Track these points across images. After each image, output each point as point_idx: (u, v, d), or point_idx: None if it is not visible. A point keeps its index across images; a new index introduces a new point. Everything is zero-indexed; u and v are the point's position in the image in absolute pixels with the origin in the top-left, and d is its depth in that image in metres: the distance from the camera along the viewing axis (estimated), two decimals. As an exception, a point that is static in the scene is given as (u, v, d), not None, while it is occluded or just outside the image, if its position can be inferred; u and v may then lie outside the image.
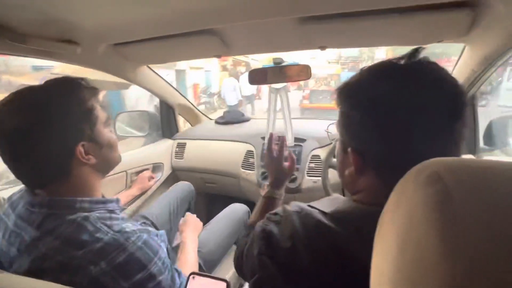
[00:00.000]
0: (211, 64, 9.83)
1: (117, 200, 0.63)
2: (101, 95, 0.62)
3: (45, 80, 0.56)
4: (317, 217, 0.38)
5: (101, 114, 0.60)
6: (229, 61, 10.60)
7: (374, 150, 0.38)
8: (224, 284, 0.53)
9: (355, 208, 0.38)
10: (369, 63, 0.42)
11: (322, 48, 0.88)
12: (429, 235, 0.16)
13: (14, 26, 0.65)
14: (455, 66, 0.87)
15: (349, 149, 0.40)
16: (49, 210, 0.53)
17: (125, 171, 1.28)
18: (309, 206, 0.41)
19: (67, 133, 0.53)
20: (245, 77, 6.48)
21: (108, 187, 1.17)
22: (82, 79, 0.58)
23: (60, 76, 0.58)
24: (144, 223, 0.99)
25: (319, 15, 0.68)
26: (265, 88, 6.60)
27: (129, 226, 0.56)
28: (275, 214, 0.43)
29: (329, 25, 0.71)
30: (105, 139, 0.60)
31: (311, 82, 8.93)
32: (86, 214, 0.53)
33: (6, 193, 0.83)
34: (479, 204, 0.15)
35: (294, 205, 0.43)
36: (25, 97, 0.53)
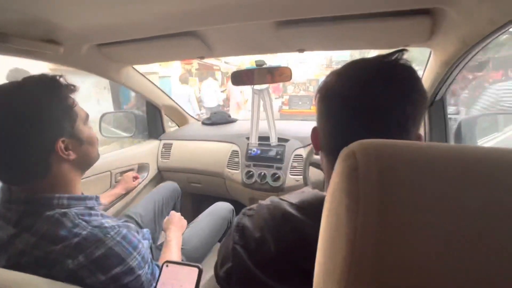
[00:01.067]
0: (171, 68, 7.30)
1: (97, 197, 0.64)
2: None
3: (24, 78, 0.56)
4: (285, 208, 0.41)
5: (80, 111, 0.61)
6: (194, 64, 8.71)
7: (323, 133, 0.44)
8: (196, 269, 0.55)
9: (318, 197, 0.42)
10: None
11: (300, 50, 0.92)
12: (341, 199, 0.19)
13: None
14: (424, 69, 0.93)
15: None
16: (26, 207, 0.54)
17: (110, 170, 1.28)
18: (280, 198, 0.45)
19: (47, 130, 0.54)
20: (207, 85, 5.43)
21: (93, 186, 1.17)
22: (60, 76, 0.59)
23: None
24: (127, 221, 1.00)
25: (295, 19, 0.72)
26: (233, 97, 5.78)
27: (109, 221, 0.57)
28: (250, 209, 0.47)
29: (305, 29, 0.76)
30: (85, 136, 0.61)
31: (290, 88, 8.96)
32: (64, 210, 0.54)
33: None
34: (376, 173, 0.19)
35: (267, 199, 0.47)
36: (4, 94, 0.53)
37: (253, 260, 0.39)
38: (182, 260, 0.87)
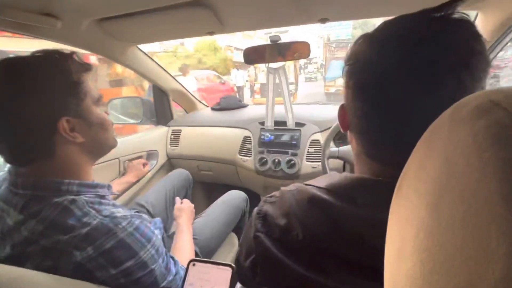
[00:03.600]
0: None
1: (109, 186, 0.60)
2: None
3: (32, 52, 0.53)
4: (311, 191, 0.37)
5: (91, 91, 0.56)
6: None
7: (353, 112, 0.37)
8: (230, 270, 0.49)
9: (348, 179, 0.38)
10: None
11: (323, 20, 0.82)
12: (481, 183, 0.11)
13: None
14: None
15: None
16: (34, 191, 0.50)
17: (118, 158, 1.23)
18: (305, 184, 0.41)
19: (49, 105, 0.50)
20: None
21: (100, 174, 1.13)
22: (73, 52, 0.55)
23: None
24: (139, 211, 0.96)
25: None
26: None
27: (120, 211, 0.53)
28: (271, 196, 0.43)
29: None
30: (95, 118, 0.56)
31: (261, 75, 8.40)
32: (73, 197, 0.51)
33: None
34: None
35: (290, 186, 0.43)
36: (8, 66, 0.50)
37: (278, 248, 0.36)
38: (195, 251, 0.82)
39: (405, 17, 0.33)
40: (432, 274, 0.13)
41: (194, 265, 0.51)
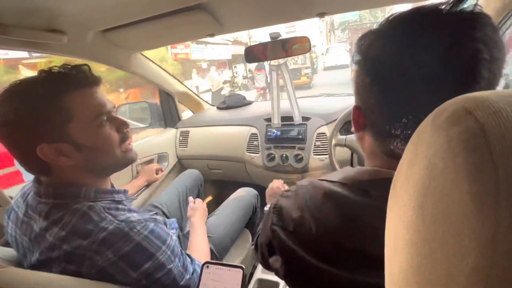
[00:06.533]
0: None
1: (125, 191, 0.62)
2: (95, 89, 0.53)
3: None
4: (325, 186, 0.38)
5: (83, 111, 0.51)
6: None
7: (367, 106, 0.37)
8: (240, 271, 0.52)
9: (361, 172, 0.38)
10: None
11: (321, 15, 0.81)
12: (455, 184, 0.12)
13: None
14: None
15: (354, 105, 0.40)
16: (55, 200, 0.53)
17: None
18: (319, 179, 0.42)
19: (29, 132, 0.49)
20: None
21: (114, 178, 1.16)
22: (51, 68, 0.52)
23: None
24: (156, 213, 0.99)
25: None
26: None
27: (135, 216, 0.55)
28: (288, 190, 0.44)
29: None
30: (86, 140, 0.52)
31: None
32: (91, 203, 0.52)
33: (12, 191, 0.83)
34: None
35: (304, 180, 0.44)
36: (15, 88, 0.50)
37: (293, 240, 0.38)
38: (210, 249, 0.85)
39: (417, 12, 0.32)
40: (420, 266, 0.14)
41: (207, 267, 0.53)
